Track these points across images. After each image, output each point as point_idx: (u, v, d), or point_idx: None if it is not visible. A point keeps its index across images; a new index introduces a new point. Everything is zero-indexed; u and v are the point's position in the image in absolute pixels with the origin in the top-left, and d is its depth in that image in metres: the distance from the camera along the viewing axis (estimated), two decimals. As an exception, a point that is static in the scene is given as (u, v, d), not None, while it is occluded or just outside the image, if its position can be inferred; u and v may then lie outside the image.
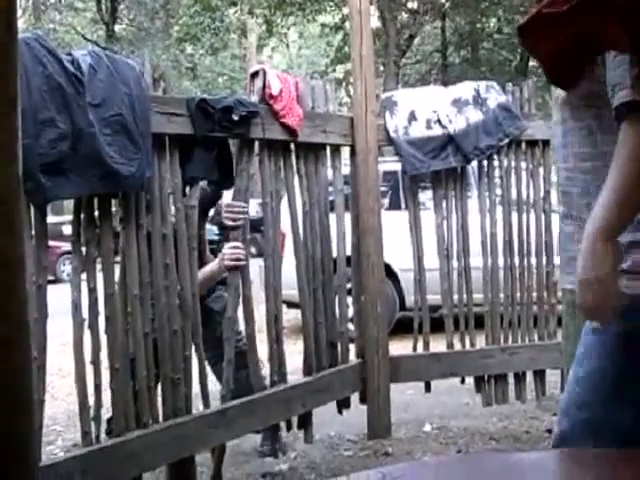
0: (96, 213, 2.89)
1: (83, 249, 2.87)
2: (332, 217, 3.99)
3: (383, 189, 6.51)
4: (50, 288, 2.79)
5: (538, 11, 1.64)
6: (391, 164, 5.66)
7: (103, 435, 2.92)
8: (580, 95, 1.72)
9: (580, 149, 1.77)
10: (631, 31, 1.51)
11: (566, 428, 1.77)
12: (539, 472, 1.27)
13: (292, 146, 3.74)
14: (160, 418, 3.08)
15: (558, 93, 1.85)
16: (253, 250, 3.87)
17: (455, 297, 4.28)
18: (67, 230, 12.57)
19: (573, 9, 1.56)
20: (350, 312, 4.24)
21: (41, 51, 2.57)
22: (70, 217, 2.95)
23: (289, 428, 3.95)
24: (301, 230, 3.80)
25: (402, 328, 5.89)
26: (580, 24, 1.58)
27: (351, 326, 4.22)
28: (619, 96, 1.53)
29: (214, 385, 4.13)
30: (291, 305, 5.28)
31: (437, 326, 4.37)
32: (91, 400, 2.84)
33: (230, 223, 3.47)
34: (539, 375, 4.38)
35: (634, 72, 1.51)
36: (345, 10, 16.54)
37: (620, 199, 1.50)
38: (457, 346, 4.30)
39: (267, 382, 3.58)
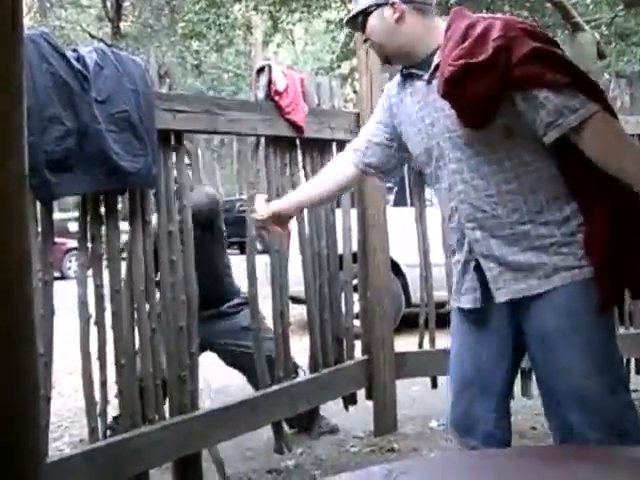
0: (102, 210, 2.90)
1: (89, 245, 2.88)
2: (338, 213, 3.99)
3: (389, 185, 6.51)
4: (56, 285, 2.79)
5: (464, 63, 1.92)
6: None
7: (109, 431, 2.93)
8: (496, 129, 1.99)
9: (501, 174, 2.04)
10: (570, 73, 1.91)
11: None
12: (545, 468, 1.27)
13: (298, 142, 3.74)
14: (166, 414, 3.09)
15: (449, 135, 2.07)
16: (259, 247, 3.87)
17: (461, 293, 4.27)
18: (73, 227, 12.62)
19: (491, 59, 1.89)
20: (356, 308, 4.24)
21: (46, 48, 2.58)
22: (76, 214, 2.96)
23: (295, 424, 3.95)
24: (307, 226, 3.80)
25: (408, 324, 5.89)
26: (498, 71, 1.90)
27: (357, 322, 4.22)
28: (585, 110, 1.88)
29: (220, 381, 4.14)
30: (297, 301, 5.28)
31: (443, 322, 4.36)
32: (97, 396, 2.85)
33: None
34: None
35: (581, 95, 1.89)
36: (350, 6, 16.52)
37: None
38: (463, 342, 4.29)
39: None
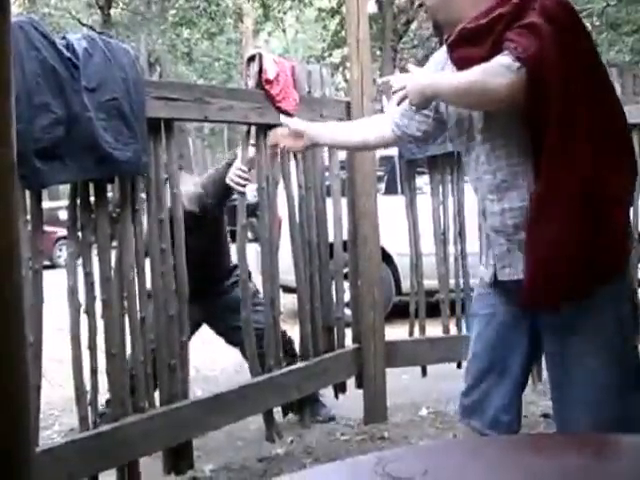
0: (92, 198, 2.89)
1: (79, 234, 2.87)
2: (329, 202, 3.99)
3: (380, 174, 6.51)
4: (47, 273, 2.78)
5: (462, 28, 2.00)
6: (388, 149, 5.65)
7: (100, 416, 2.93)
8: None
9: (525, 143, 2.01)
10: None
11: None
12: (534, 456, 1.27)
13: (288, 131, 3.72)
14: (157, 403, 3.09)
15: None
16: (250, 235, 3.88)
17: (451, 282, 4.28)
18: (64, 215, 12.54)
19: (490, 22, 1.94)
20: (346, 297, 4.25)
21: (35, 35, 2.56)
22: (66, 202, 2.94)
23: (286, 413, 3.96)
24: (297, 215, 3.80)
25: (398, 313, 5.90)
26: (490, 38, 1.94)
27: (347, 311, 4.23)
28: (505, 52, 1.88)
29: (211, 370, 4.15)
30: (287, 290, 5.29)
31: (433, 311, 4.38)
32: (88, 385, 2.85)
33: (233, 184, 3.47)
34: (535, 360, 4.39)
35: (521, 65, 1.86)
36: (342, -6, 16.45)
37: (454, 87, 1.97)
38: (453, 331, 4.31)
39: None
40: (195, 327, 3.90)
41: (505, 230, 2.08)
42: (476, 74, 1.89)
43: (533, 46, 1.86)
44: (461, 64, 2.00)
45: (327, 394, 4.11)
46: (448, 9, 2.13)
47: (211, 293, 3.90)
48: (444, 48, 2.25)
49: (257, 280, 3.75)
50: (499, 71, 1.86)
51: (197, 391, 3.43)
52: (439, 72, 2.21)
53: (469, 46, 1.98)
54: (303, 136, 2.55)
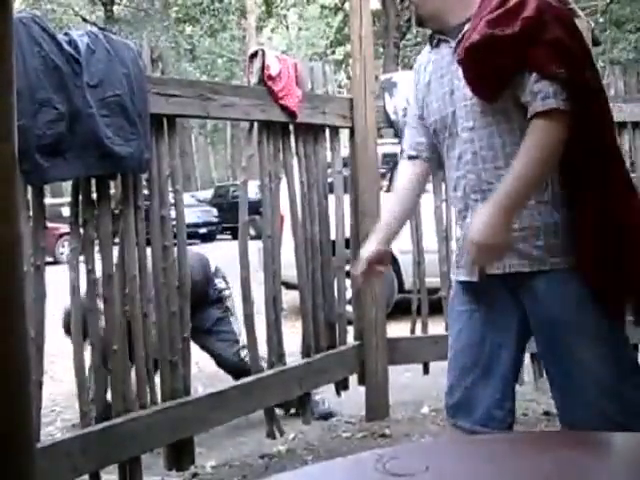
0: (94, 195, 2.89)
1: (81, 230, 2.87)
2: (331, 199, 3.99)
3: (382, 171, 6.50)
4: (49, 270, 2.78)
5: (490, 34, 1.92)
6: (390, 146, 5.65)
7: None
8: (511, 101, 1.99)
9: (511, 147, 2.01)
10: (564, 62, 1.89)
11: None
12: (535, 453, 1.27)
13: (291, 127, 3.73)
14: (159, 399, 3.09)
15: (465, 103, 2.06)
16: (252, 232, 3.88)
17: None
18: (66, 212, 12.52)
19: (517, 35, 1.89)
20: (349, 294, 4.25)
21: (37, 31, 2.55)
22: (69, 199, 2.94)
23: (287, 410, 3.96)
24: (300, 212, 3.80)
25: (401, 310, 5.90)
26: (520, 48, 1.91)
27: (349, 308, 4.23)
28: (546, 102, 1.89)
29: (213, 367, 4.14)
30: (290, 287, 5.29)
31: (435, 308, 4.37)
32: (90, 381, 2.85)
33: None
34: (536, 357, 4.38)
35: (564, 91, 1.88)
36: (345, -9, 16.42)
37: (526, 182, 1.90)
38: (455, 328, 4.31)
39: (264, 363, 3.60)
40: None
41: None
42: (536, 145, 1.89)
43: (568, 65, 1.88)
44: (475, 70, 1.97)
45: (329, 391, 4.11)
46: (431, 5, 2.13)
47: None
48: (425, 49, 2.28)
49: (259, 278, 3.74)
50: (547, 107, 1.88)
51: (199, 387, 3.42)
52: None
53: (493, 54, 1.93)
54: (384, 256, 2.45)
